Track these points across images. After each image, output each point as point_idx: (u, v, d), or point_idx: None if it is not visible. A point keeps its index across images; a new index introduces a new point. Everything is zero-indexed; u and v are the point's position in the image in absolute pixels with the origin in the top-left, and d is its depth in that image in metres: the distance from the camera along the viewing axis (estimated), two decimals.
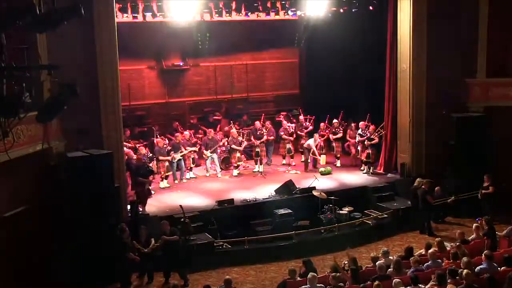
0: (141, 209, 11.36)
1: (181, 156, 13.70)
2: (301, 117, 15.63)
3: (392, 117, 13.93)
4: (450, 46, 13.28)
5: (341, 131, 15.06)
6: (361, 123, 14.40)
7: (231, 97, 17.52)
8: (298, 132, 15.35)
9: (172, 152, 13.52)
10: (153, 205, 11.84)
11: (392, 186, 13.27)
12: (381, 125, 14.25)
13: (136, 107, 16.07)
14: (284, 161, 15.38)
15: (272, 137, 14.90)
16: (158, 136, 14.04)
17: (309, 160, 14.81)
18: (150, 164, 12.49)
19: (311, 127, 15.34)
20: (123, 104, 12.80)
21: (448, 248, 9.09)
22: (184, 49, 16.45)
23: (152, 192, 12.44)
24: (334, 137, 15.01)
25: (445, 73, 13.26)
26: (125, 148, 12.35)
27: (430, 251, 8.59)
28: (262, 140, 14.74)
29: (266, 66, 18.02)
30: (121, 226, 9.72)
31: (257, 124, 14.92)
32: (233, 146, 14.44)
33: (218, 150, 14.65)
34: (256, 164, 14.81)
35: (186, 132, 14.48)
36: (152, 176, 12.17)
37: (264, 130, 14.83)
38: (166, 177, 13.48)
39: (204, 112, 16.93)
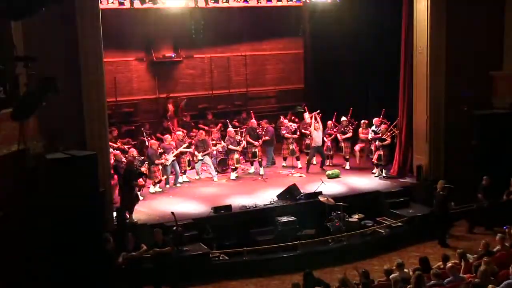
0: (128, 217, 11.36)
1: (174, 157, 13.79)
2: (306, 114, 15.66)
3: (407, 114, 13.91)
4: (473, 34, 13.20)
5: (351, 130, 15.07)
6: (375, 120, 14.38)
7: (229, 92, 17.55)
8: (303, 130, 15.36)
9: (165, 154, 13.54)
10: (142, 212, 11.85)
11: (407, 191, 13.24)
12: (394, 123, 14.25)
13: (123, 103, 16.07)
14: (284, 163, 15.39)
15: (267, 137, 14.94)
16: (148, 136, 14.07)
17: (313, 162, 14.87)
18: (142, 168, 12.55)
19: (316, 125, 15.12)
20: (109, 100, 12.85)
21: (470, 261, 9.04)
22: (176, 39, 16.47)
23: (141, 197, 12.46)
24: (343, 137, 14.99)
25: (466, 65, 13.23)
26: (111, 149, 12.35)
27: (448, 264, 8.54)
28: (261, 140, 14.82)
29: (267, 58, 18.02)
30: (106, 236, 9.74)
31: (253, 122, 14.94)
32: (231, 146, 14.43)
33: (215, 152, 14.70)
34: (252, 165, 14.90)
35: (179, 132, 14.50)
36: (143, 179, 12.20)
37: (261, 129, 14.98)
38: (159, 182, 13.49)
39: (199, 109, 16.98)
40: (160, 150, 13.57)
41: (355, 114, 15.11)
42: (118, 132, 14.44)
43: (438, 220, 11.90)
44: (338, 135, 15.10)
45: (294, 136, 15.21)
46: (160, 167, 13.37)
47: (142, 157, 13.04)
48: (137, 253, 9.82)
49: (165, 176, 13.51)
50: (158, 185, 13.45)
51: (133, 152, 12.73)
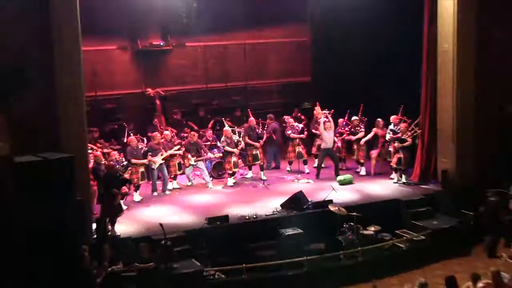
0: (110, 228, 11.37)
1: (162, 160, 13.77)
2: (318, 109, 15.62)
3: (430, 112, 13.94)
4: (507, 21, 13.29)
5: (363, 130, 15.08)
6: (393, 117, 14.41)
7: (225, 86, 17.56)
8: (313, 130, 15.39)
9: (150, 154, 13.59)
10: (126, 224, 11.88)
11: (430, 199, 13.27)
12: (415, 121, 14.24)
13: (104, 98, 16.10)
14: (289, 168, 15.52)
15: (267, 135, 15.08)
16: (131, 134, 14.09)
17: (323, 165, 14.93)
18: (126, 175, 12.61)
19: (327, 124, 15.07)
20: (88, 95, 12.79)
21: (506, 281, 8.98)
22: (166, 25, 16.48)
23: (124, 207, 12.48)
24: (354, 138, 15.08)
25: (500, 56, 13.29)
26: (91, 151, 12.37)
27: (479, 285, 8.47)
28: (262, 140, 14.98)
29: (270, 47, 18.03)
30: (83, 251, 9.75)
31: (252, 121, 15.00)
32: (227, 148, 14.45)
33: (212, 155, 14.73)
34: (250, 169, 15.02)
35: (167, 132, 14.51)
36: (127, 186, 12.25)
37: (260, 128, 15.07)
38: (138, 187, 13.52)
39: (192, 105, 16.99)
40: (144, 148, 13.59)
41: (369, 111, 15.19)
42: (100, 132, 14.50)
43: (489, 229, 11.94)
44: (350, 136, 15.19)
45: (301, 136, 15.23)
46: (141, 169, 13.39)
47: (125, 162, 13.05)
48: (110, 267, 9.81)
49: (144, 181, 13.60)
50: (138, 191, 13.50)
51: (115, 155, 12.71)
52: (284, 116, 15.80)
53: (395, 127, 14.28)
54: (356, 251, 11.38)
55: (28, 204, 9.41)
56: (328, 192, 12.72)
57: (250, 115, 15.35)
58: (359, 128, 15.02)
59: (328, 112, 15.01)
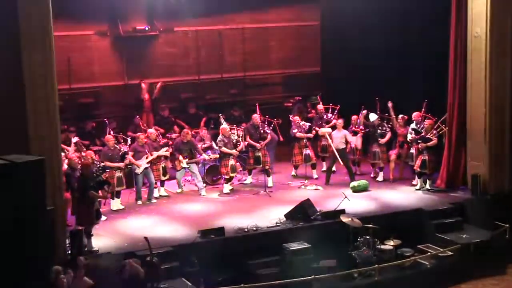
0: (86, 242, 11.35)
1: (147, 164, 13.87)
2: (321, 106, 15.68)
3: (458, 107, 13.98)
4: None
5: (388, 130, 15.14)
6: (415, 114, 14.47)
7: (221, 77, 17.51)
8: (316, 128, 15.47)
9: (129, 154, 13.68)
10: (105, 237, 11.91)
11: (459, 208, 13.30)
12: (442, 118, 14.27)
13: (80, 92, 16.10)
14: (294, 172, 15.59)
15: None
16: (111, 133, 14.17)
17: (334, 169, 14.98)
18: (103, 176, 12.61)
19: (335, 121, 15.37)
20: (61, 87, 12.68)
21: None
22: (151, 6, 16.47)
23: (104, 217, 12.56)
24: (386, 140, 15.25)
25: None
26: (65, 154, 12.41)
27: None
28: (266, 141, 15.01)
29: (272, 32, 18.02)
30: (55, 269, 9.70)
31: (255, 118, 15.04)
32: (224, 149, 14.47)
33: (207, 157, 14.78)
34: (250, 174, 15.11)
35: (151, 130, 14.53)
36: (107, 189, 12.26)
37: (266, 127, 15.19)
38: (117, 194, 13.56)
39: (182, 100, 17.03)
40: (124, 149, 13.66)
41: (386, 107, 15.19)
42: (77, 131, 14.55)
43: None
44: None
45: (309, 135, 15.33)
46: (118, 173, 13.45)
47: (103, 164, 13.12)
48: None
49: (122, 187, 13.66)
50: (118, 199, 13.59)
51: (91, 155, 12.76)
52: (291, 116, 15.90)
53: (418, 125, 14.33)
54: (373, 269, 11.35)
55: None
56: (340, 201, 12.76)
57: (258, 110, 15.44)
58: (384, 128, 15.11)
59: (334, 107, 15.14)
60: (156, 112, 16.30)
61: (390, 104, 14.77)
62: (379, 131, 15.01)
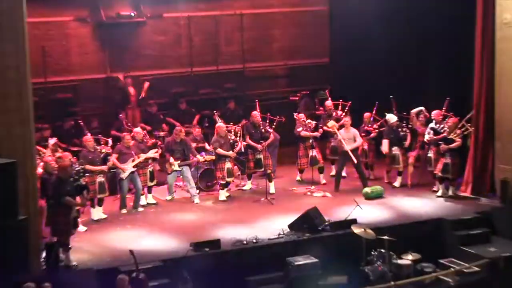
0: (63, 256, 11.19)
1: (133, 168, 13.73)
2: (329, 103, 15.60)
3: (486, 104, 13.85)
4: None
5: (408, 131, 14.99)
6: (435, 113, 14.35)
7: (217, 69, 17.49)
8: (324, 127, 15.37)
9: (112, 156, 13.61)
10: (84, 250, 11.79)
11: (486, 218, 13.12)
12: (466, 117, 14.11)
13: (57, 86, 16.07)
14: (299, 177, 15.59)
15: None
16: (88, 133, 14.08)
17: (344, 174, 14.93)
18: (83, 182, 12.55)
19: (345, 120, 15.07)
20: (35, 81, 12.56)
21: None
22: None
23: (83, 228, 12.48)
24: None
25: None
26: (39, 156, 12.34)
27: None
28: (268, 141, 14.96)
29: (275, 19, 18.06)
30: (26, 287, 9.42)
31: (256, 115, 15.00)
32: (219, 150, 14.30)
33: (202, 158, 14.63)
34: (249, 179, 15.14)
35: (138, 129, 14.38)
36: (85, 195, 12.14)
37: (267, 127, 15.09)
38: (99, 202, 13.44)
39: (172, 95, 17.01)
40: (104, 150, 13.59)
41: (405, 104, 15.09)
42: (53, 131, 14.47)
43: None
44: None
45: (315, 134, 15.16)
46: (99, 178, 13.30)
47: (81, 167, 12.93)
48: None
49: (105, 194, 13.52)
50: (100, 207, 13.47)
51: (67, 157, 12.59)
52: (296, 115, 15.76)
53: (437, 125, 14.18)
54: (388, 286, 11.16)
55: None
56: (351, 209, 12.60)
57: (257, 107, 15.31)
58: (404, 129, 14.89)
59: (344, 103, 15.02)
60: (144, 109, 16.24)
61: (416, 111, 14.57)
62: (401, 133, 14.86)
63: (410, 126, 14.92)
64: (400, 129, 14.86)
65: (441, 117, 14.22)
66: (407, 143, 14.82)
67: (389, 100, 15.16)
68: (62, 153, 13.16)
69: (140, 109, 16.18)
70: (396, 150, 14.83)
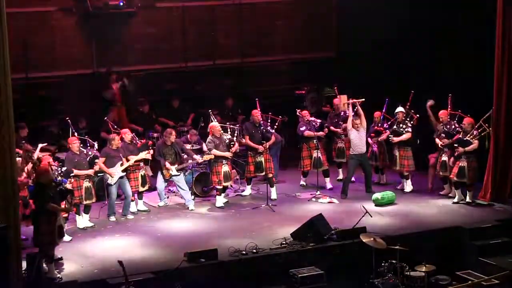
0: (46, 268, 11.10)
1: (122, 172, 13.74)
2: (337, 100, 15.57)
3: (506, 103, 13.88)
4: None
5: (409, 129, 14.88)
6: (441, 112, 14.34)
7: (213, 64, 17.52)
8: (331, 127, 15.40)
9: (99, 160, 13.61)
10: (70, 261, 11.74)
11: (507, 227, 13.06)
12: (485, 116, 14.05)
13: (39, 82, 16.12)
14: (303, 181, 15.59)
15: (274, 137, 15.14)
16: (75, 133, 14.08)
17: (353, 179, 14.94)
18: (67, 185, 12.55)
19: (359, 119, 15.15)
20: (15, 76, 12.57)
21: None
22: None
23: (68, 238, 12.39)
24: (397, 139, 14.97)
25: None
26: (19, 158, 12.26)
27: None
28: (270, 142, 14.92)
29: (277, 9, 18.08)
30: None
31: (256, 114, 15.00)
32: (215, 151, 14.28)
33: (200, 159, 14.51)
34: (249, 184, 15.15)
35: (125, 130, 14.39)
36: (70, 200, 12.14)
37: (269, 127, 15.06)
38: (86, 209, 13.47)
39: (165, 92, 17.09)
40: (90, 153, 13.58)
41: (419, 103, 14.94)
42: (30, 130, 14.53)
43: None
44: (390, 138, 14.94)
45: (320, 133, 15.09)
46: (86, 183, 13.28)
47: (64, 168, 12.98)
48: None
49: (92, 200, 13.45)
50: (87, 215, 13.47)
51: (48, 159, 12.61)
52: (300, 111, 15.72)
53: (447, 127, 14.15)
54: None
55: None
56: (360, 216, 12.52)
57: (258, 105, 15.22)
58: (405, 126, 14.79)
59: (356, 100, 14.82)
60: (133, 107, 16.30)
61: (430, 103, 14.42)
62: (400, 129, 14.77)
63: (412, 124, 14.74)
64: (401, 125, 14.76)
65: (447, 116, 14.13)
66: (396, 139, 14.59)
67: (398, 97, 14.99)
68: (43, 157, 13.12)
69: (127, 108, 16.20)
70: (396, 149, 14.86)
